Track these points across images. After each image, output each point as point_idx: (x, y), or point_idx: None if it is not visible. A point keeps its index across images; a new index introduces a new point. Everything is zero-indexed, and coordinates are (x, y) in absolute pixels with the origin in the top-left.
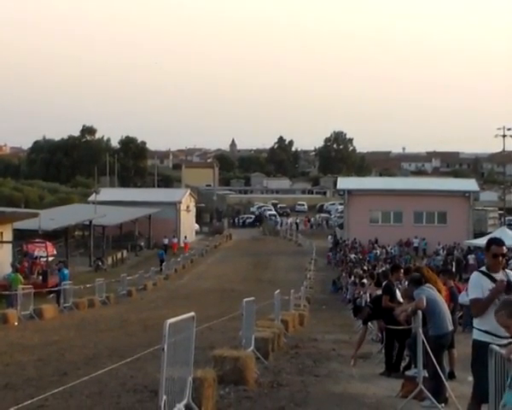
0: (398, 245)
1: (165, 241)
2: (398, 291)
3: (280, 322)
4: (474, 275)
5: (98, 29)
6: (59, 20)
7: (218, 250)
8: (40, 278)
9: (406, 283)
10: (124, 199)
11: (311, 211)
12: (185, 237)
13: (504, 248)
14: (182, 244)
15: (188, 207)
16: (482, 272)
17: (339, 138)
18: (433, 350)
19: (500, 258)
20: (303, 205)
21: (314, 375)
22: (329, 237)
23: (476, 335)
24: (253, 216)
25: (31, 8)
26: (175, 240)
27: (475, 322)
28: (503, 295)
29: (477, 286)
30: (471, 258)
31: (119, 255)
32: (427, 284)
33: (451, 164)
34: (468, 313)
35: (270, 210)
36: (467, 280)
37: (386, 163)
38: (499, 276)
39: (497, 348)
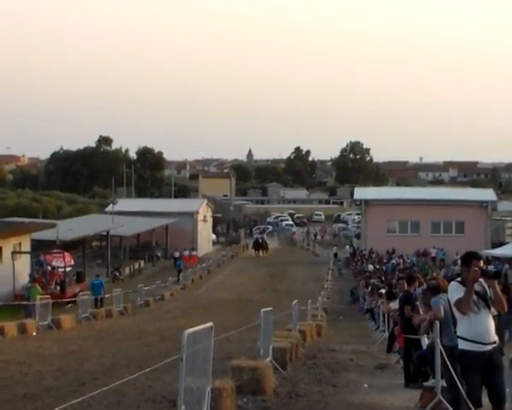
0: (416, 255)
1: (176, 254)
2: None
3: (297, 332)
4: (453, 284)
5: (115, 40)
6: (75, 31)
7: (235, 260)
8: (58, 288)
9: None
10: (141, 209)
11: (328, 221)
12: (192, 249)
13: (482, 261)
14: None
15: (205, 217)
16: (459, 282)
17: (355, 148)
18: (449, 360)
19: (478, 271)
20: (320, 215)
21: (332, 385)
22: (334, 247)
23: (462, 344)
24: (270, 226)
25: (45, 23)
26: (186, 252)
27: (459, 331)
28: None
29: (457, 290)
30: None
31: (136, 266)
32: (444, 294)
33: (469, 174)
34: None
35: (287, 220)
36: None
37: (403, 173)
38: (475, 285)
39: None
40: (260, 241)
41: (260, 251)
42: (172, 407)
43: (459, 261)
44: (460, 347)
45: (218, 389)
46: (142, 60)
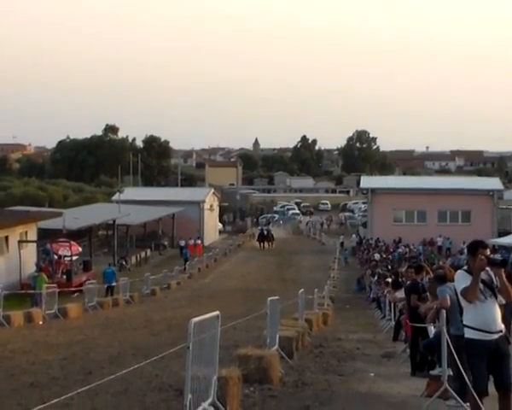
0: (422, 244)
1: (182, 243)
2: None
3: (304, 321)
4: (459, 272)
5: (120, 29)
6: (79, 21)
7: (242, 249)
8: (64, 277)
9: (427, 279)
10: (147, 198)
11: (335, 210)
12: (198, 238)
13: (488, 250)
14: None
15: (211, 206)
16: (466, 271)
17: (362, 137)
18: (455, 349)
19: (484, 259)
20: (326, 204)
21: (338, 374)
22: (341, 236)
23: (468, 333)
24: (276, 215)
25: (49, 12)
26: (191, 241)
27: (466, 320)
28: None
29: (464, 279)
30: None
31: (142, 254)
32: (450, 283)
33: (475, 163)
34: None
35: (294, 209)
36: None
37: (409, 162)
38: (481, 274)
39: None
40: (266, 232)
41: (265, 243)
42: (179, 395)
43: (465, 250)
44: (466, 335)
45: (224, 378)
46: (148, 49)
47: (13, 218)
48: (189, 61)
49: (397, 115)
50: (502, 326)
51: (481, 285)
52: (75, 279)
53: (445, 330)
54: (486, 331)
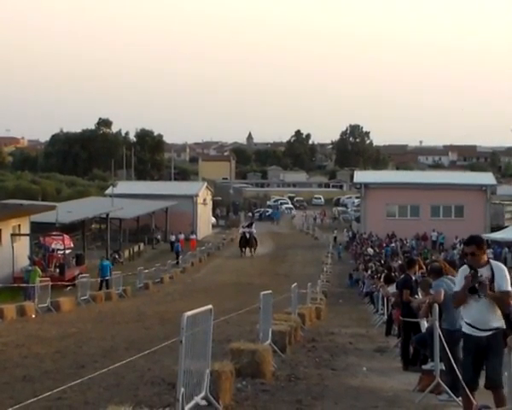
0: (415, 239)
1: (173, 238)
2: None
3: (297, 315)
4: (462, 270)
5: (113, 24)
6: (74, 13)
7: (235, 244)
8: (57, 270)
9: (419, 276)
10: (140, 192)
11: (328, 204)
12: (191, 233)
13: (473, 246)
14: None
15: (204, 200)
16: (468, 265)
17: (355, 132)
18: (447, 344)
19: (469, 256)
20: (320, 198)
21: (331, 368)
22: (334, 231)
23: (463, 327)
24: (269, 210)
25: (44, 4)
26: (181, 236)
27: (463, 314)
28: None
29: (460, 279)
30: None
31: (135, 248)
32: (447, 276)
33: (468, 158)
34: None
35: (287, 203)
36: None
37: (402, 157)
38: (483, 271)
39: None
40: (248, 236)
41: (248, 249)
42: (171, 389)
43: (458, 245)
44: (462, 329)
45: (217, 372)
46: (142, 42)
47: (6, 211)
48: (182, 55)
49: (390, 110)
50: (496, 324)
51: (477, 285)
52: (68, 273)
53: (437, 324)
54: (478, 328)
